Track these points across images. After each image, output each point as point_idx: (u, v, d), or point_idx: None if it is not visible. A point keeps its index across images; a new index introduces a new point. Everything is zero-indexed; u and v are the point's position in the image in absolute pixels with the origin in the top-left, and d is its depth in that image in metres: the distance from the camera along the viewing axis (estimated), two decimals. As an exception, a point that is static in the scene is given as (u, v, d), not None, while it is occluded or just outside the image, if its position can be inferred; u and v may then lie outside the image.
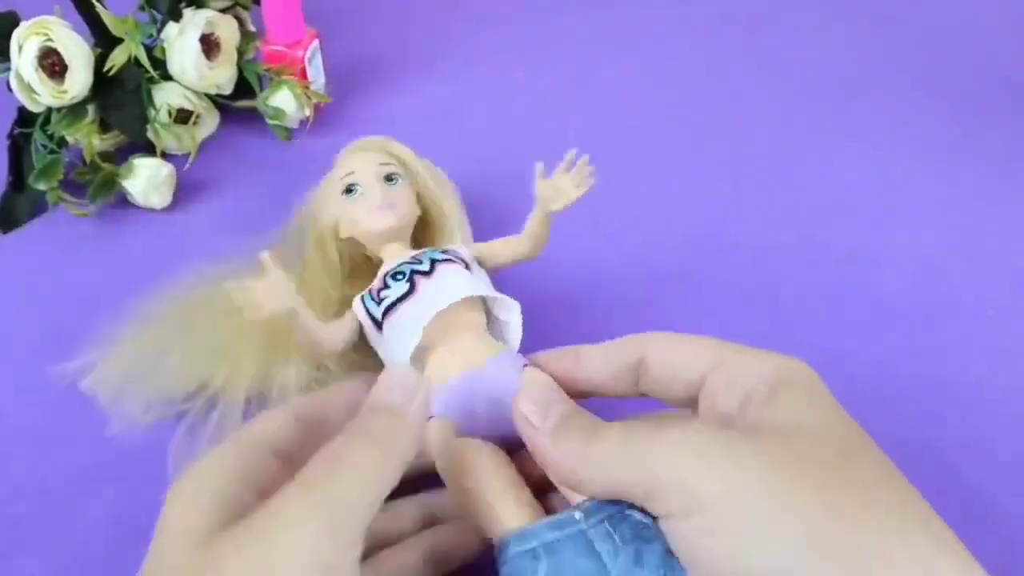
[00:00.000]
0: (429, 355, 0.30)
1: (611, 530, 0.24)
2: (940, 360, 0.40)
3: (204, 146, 0.52)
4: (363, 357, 0.35)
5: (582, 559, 0.23)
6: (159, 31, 0.50)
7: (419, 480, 0.30)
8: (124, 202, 0.48)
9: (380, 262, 0.35)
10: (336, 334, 0.32)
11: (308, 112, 0.52)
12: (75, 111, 0.47)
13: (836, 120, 0.57)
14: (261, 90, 0.52)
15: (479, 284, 0.32)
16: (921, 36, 0.67)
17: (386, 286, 0.32)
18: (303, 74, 0.53)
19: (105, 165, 0.46)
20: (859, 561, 0.19)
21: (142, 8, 0.50)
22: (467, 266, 0.33)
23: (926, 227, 0.48)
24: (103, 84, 0.47)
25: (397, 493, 0.24)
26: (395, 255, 0.34)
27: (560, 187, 0.33)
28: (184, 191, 0.49)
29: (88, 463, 0.35)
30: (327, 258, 0.36)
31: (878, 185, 0.51)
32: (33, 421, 0.37)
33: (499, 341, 0.32)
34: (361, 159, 0.36)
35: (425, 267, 0.32)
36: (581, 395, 0.28)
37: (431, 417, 0.29)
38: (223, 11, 0.52)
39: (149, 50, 0.49)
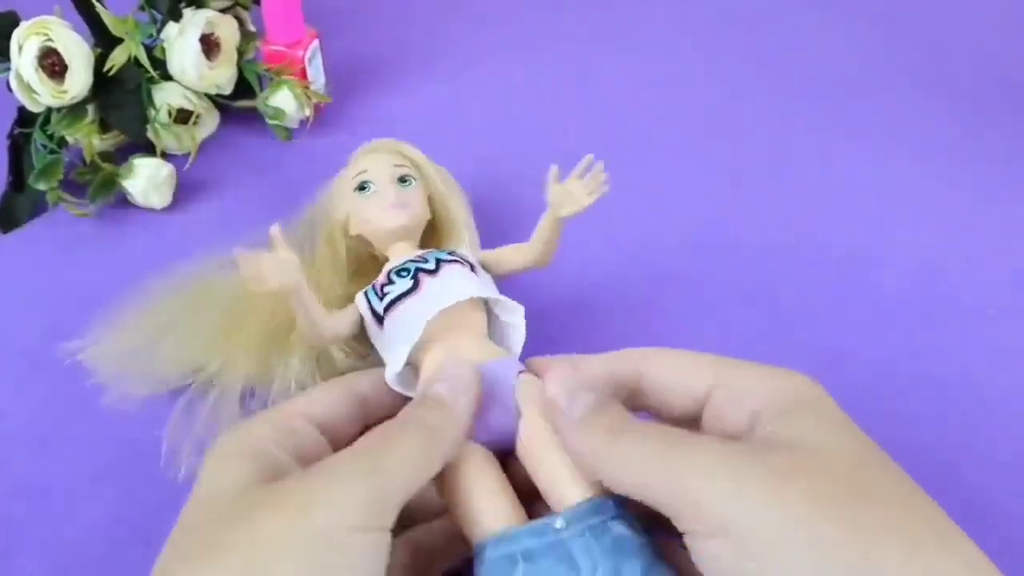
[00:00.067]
0: (426, 354, 0.30)
1: (592, 542, 0.23)
2: (940, 360, 0.40)
3: (204, 146, 0.52)
4: (361, 347, 0.35)
5: (560, 568, 0.23)
6: (159, 31, 0.50)
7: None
8: (124, 202, 0.48)
9: (386, 261, 0.35)
10: (337, 324, 0.32)
11: (308, 112, 0.52)
12: (75, 111, 0.47)
13: (836, 120, 0.57)
14: (261, 90, 0.52)
15: (484, 286, 0.32)
16: (921, 36, 0.67)
17: (390, 281, 0.32)
18: (303, 74, 0.53)
19: (105, 165, 0.46)
20: None
21: (142, 8, 0.50)
22: (472, 268, 0.33)
23: (926, 227, 0.48)
24: (103, 84, 0.47)
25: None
26: (401, 254, 0.34)
27: (572, 192, 0.33)
28: (184, 191, 0.49)
29: (88, 463, 0.35)
30: (335, 254, 0.36)
31: (878, 185, 0.51)
32: (33, 421, 0.37)
33: (500, 345, 0.32)
34: (375, 159, 0.36)
35: (431, 266, 0.32)
36: None
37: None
38: (223, 11, 0.52)
39: (149, 50, 0.49)
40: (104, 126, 0.49)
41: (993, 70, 0.63)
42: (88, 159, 0.46)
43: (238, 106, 0.53)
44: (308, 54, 0.53)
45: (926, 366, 0.40)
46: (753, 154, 0.54)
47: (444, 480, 0.27)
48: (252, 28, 0.55)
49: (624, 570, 0.23)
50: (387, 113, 0.56)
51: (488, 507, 0.26)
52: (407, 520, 0.29)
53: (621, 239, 0.46)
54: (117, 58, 0.47)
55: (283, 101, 0.51)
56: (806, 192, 0.50)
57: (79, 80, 0.45)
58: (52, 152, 0.46)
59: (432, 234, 0.38)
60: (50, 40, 0.45)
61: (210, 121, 0.53)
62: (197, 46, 0.48)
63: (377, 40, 0.65)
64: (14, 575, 0.31)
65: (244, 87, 0.52)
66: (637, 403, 0.27)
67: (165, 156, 0.49)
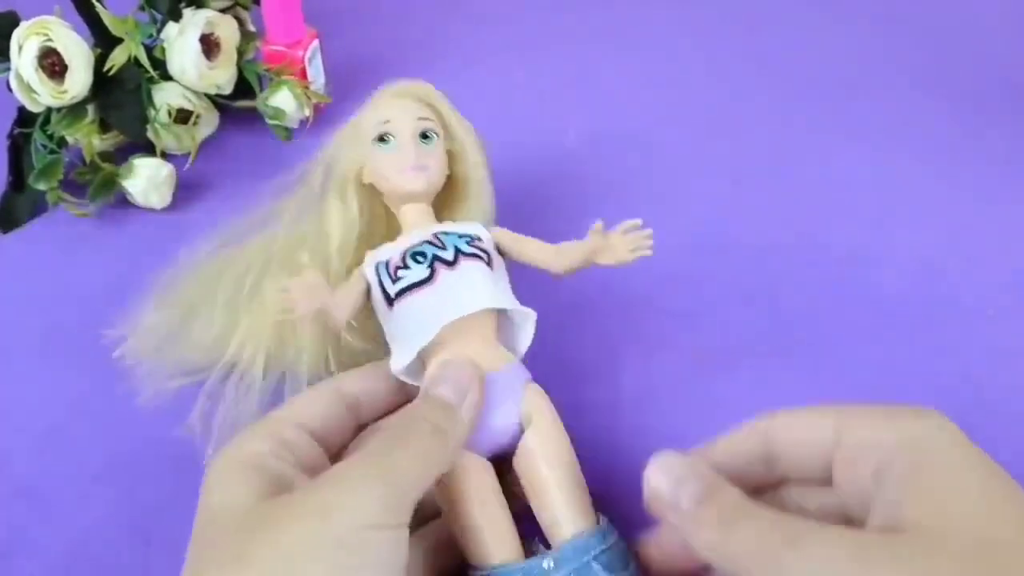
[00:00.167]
0: (434, 354, 0.30)
1: None
2: (940, 360, 0.40)
3: (204, 146, 0.52)
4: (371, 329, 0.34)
5: None
6: (159, 31, 0.50)
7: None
8: (124, 202, 0.48)
9: (395, 219, 0.34)
10: (345, 303, 0.31)
11: (308, 112, 0.52)
12: (75, 111, 0.47)
13: (836, 120, 0.57)
14: (261, 90, 0.52)
15: (499, 289, 0.31)
16: (921, 36, 0.67)
17: (405, 265, 0.31)
18: (303, 74, 0.53)
19: (105, 165, 0.46)
20: None
21: (142, 8, 0.50)
22: (490, 260, 0.32)
23: (926, 227, 0.48)
24: (103, 84, 0.47)
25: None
26: (415, 220, 0.33)
27: (615, 246, 0.32)
28: (184, 191, 0.49)
29: (88, 463, 0.35)
30: (346, 208, 0.35)
31: (878, 185, 0.51)
32: (33, 421, 0.37)
33: (506, 342, 0.32)
34: (401, 108, 0.34)
35: (449, 255, 0.31)
36: None
37: None
38: (223, 11, 0.52)
39: (149, 50, 0.49)
40: (104, 126, 0.49)
41: (993, 70, 0.63)
42: (88, 159, 0.46)
43: (238, 106, 0.53)
44: (308, 54, 0.53)
45: (926, 366, 0.40)
46: (753, 154, 0.54)
47: (445, 492, 0.27)
48: (252, 28, 0.55)
49: None
50: (387, 113, 0.56)
51: (486, 533, 0.26)
52: (423, 517, 0.29)
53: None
54: (117, 58, 0.47)
55: (283, 101, 0.51)
56: (806, 192, 0.50)
57: (79, 80, 0.45)
58: (52, 152, 0.46)
59: (449, 191, 0.37)
60: (50, 40, 0.45)
61: (210, 121, 0.53)
62: (197, 46, 0.48)
63: (377, 40, 0.65)
64: (14, 575, 0.32)
65: (244, 87, 0.52)
66: (780, 475, 0.26)
67: (165, 156, 0.49)
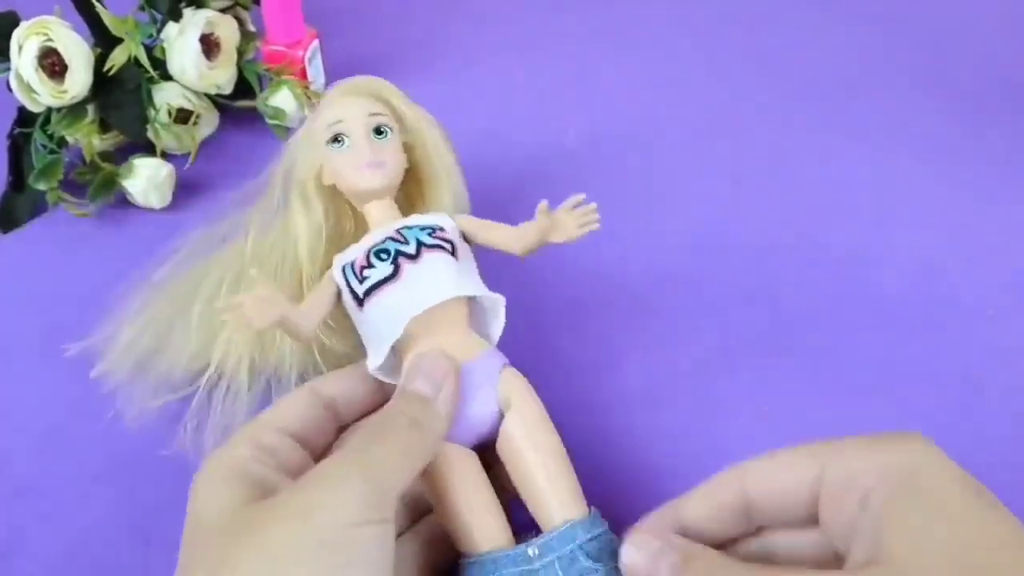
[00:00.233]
0: (409, 347, 0.30)
1: (560, 572, 0.25)
2: (940, 360, 0.40)
3: (204, 146, 0.52)
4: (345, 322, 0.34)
5: None
6: (159, 31, 0.50)
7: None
8: (124, 202, 0.48)
9: (362, 217, 0.34)
10: (314, 312, 0.31)
11: (308, 112, 0.52)
12: (75, 111, 0.47)
13: (836, 120, 0.57)
14: (261, 90, 0.52)
15: (465, 277, 0.31)
16: (921, 36, 0.67)
17: (370, 264, 0.31)
18: (303, 74, 0.53)
19: (105, 165, 0.46)
20: None
21: (142, 8, 0.50)
22: (454, 250, 0.32)
23: (926, 227, 0.48)
24: (103, 84, 0.47)
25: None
26: (379, 216, 0.33)
27: (562, 223, 0.32)
28: (184, 191, 0.49)
29: (88, 463, 0.35)
30: (310, 212, 0.34)
31: (878, 185, 0.51)
32: (33, 421, 0.37)
33: (480, 330, 0.32)
34: (351, 107, 0.34)
35: (411, 249, 0.31)
36: None
37: None
38: (223, 11, 0.52)
39: (149, 50, 0.49)
40: (104, 126, 0.49)
41: (993, 70, 0.63)
42: (88, 159, 0.46)
43: (238, 106, 0.53)
44: (308, 54, 0.53)
45: (926, 366, 0.40)
46: (753, 154, 0.54)
47: (432, 484, 0.27)
48: (252, 28, 0.55)
49: None
50: (387, 113, 0.56)
51: (474, 520, 0.26)
52: (415, 513, 0.29)
53: (621, 239, 0.46)
54: (117, 58, 0.47)
55: (283, 101, 0.51)
56: (806, 192, 0.50)
57: (79, 80, 0.45)
58: (52, 152, 0.46)
59: (414, 182, 0.37)
60: (50, 40, 0.45)
61: (210, 121, 0.53)
62: (197, 46, 0.48)
63: (377, 40, 0.65)
64: (14, 575, 0.32)
65: (244, 87, 0.52)
66: (758, 523, 0.25)
67: (165, 156, 0.49)
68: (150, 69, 0.48)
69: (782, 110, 0.58)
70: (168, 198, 0.48)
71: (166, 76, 0.50)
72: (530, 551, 0.25)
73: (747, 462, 0.25)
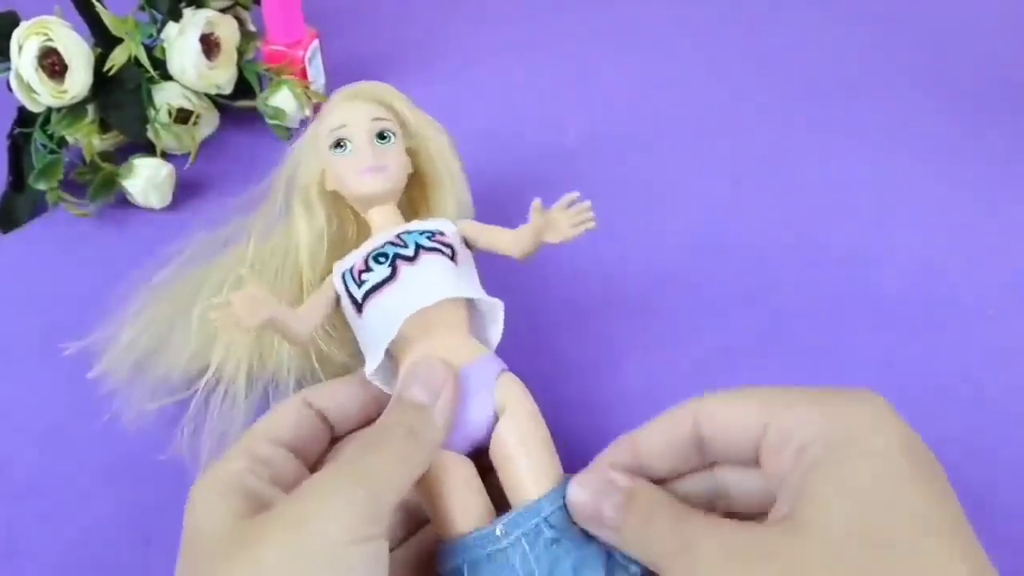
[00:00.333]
0: (406, 352, 0.30)
1: (527, 548, 0.25)
2: (940, 360, 0.40)
3: (204, 146, 0.53)
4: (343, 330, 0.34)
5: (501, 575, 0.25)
6: (159, 31, 0.50)
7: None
8: (124, 202, 0.48)
9: (364, 222, 0.34)
10: (311, 317, 0.31)
11: (308, 112, 0.52)
12: (75, 111, 0.47)
13: (836, 120, 0.57)
14: (261, 90, 0.52)
15: (463, 280, 0.31)
16: (921, 36, 0.67)
17: (367, 268, 0.31)
18: (303, 74, 0.53)
19: (105, 165, 0.46)
20: None
21: (142, 8, 0.50)
22: (453, 254, 0.32)
23: (926, 227, 0.48)
24: (103, 84, 0.47)
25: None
26: (382, 222, 0.33)
27: (556, 223, 0.32)
28: (184, 191, 0.49)
29: (88, 463, 0.35)
30: (312, 217, 0.34)
31: (878, 185, 0.51)
32: (33, 421, 0.37)
33: (479, 335, 0.32)
34: (354, 111, 0.34)
35: (409, 252, 0.31)
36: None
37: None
38: (223, 11, 0.52)
39: (149, 50, 0.49)
40: (104, 126, 0.49)
41: (993, 70, 0.63)
42: (88, 159, 0.46)
43: (238, 106, 0.53)
44: (308, 54, 0.53)
45: (926, 366, 0.40)
46: (753, 154, 0.54)
47: (426, 491, 0.27)
48: (252, 28, 0.55)
49: (555, 571, 0.25)
50: (387, 113, 0.56)
51: (460, 518, 0.26)
52: (413, 523, 0.29)
53: (621, 239, 0.46)
54: (117, 58, 0.47)
55: (283, 101, 0.51)
56: (806, 192, 0.50)
57: (79, 80, 0.45)
58: (52, 152, 0.46)
59: (419, 187, 0.36)
60: (50, 40, 0.45)
61: (210, 121, 0.53)
62: (197, 46, 0.48)
63: (377, 40, 0.65)
64: (14, 575, 0.32)
65: (244, 87, 0.52)
66: (708, 458, 0.26)
67: (165, 156, 0.49)
68: (150, 69, 0.48)
69: (782, 110, 0.58)
70: (168, 198, 0.48)
71: (166, 76, 0.50)
72: (497, 530, 0.25)
73: (701, 399, 0.25)
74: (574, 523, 0.26)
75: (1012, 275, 0.45)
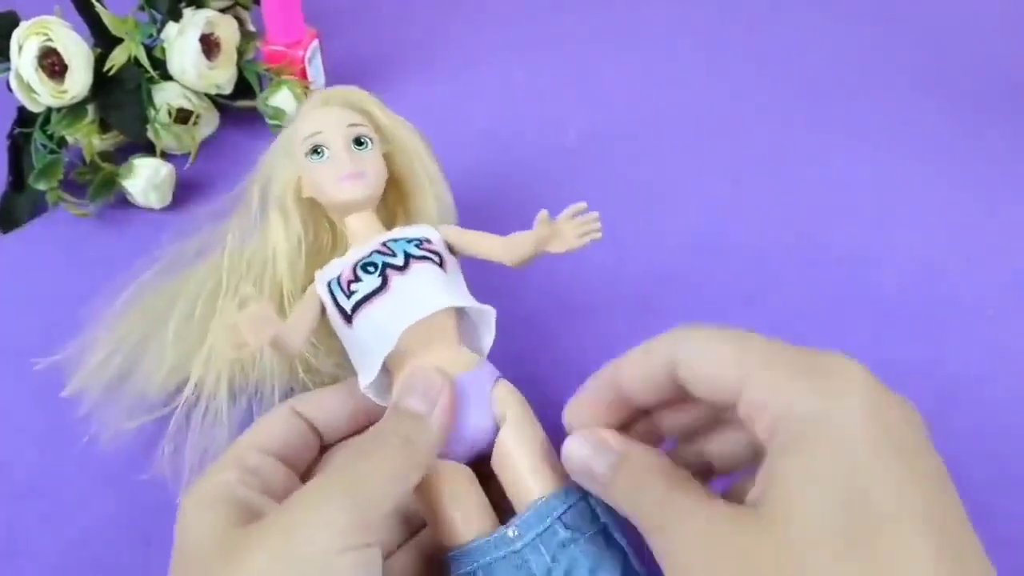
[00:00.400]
0: (400, 364, 0.30)
1: (543, 549, 0.25)
2: (940, 360, 0.40)
3: (204, 146, 0.53)
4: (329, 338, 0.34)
5: None
6: (159, 31, 0.50)
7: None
8: (124, 202, 0.48)
9: (340, 230, 0.34)
10: (299, 328, 0.30)
11: (308, 112, 0.52)
12: (75, 111, 0.47)
13: (836, 120, 0.57)
14: (261, 90, 0.52)
15: (454, 288, 0.31)
16: (921, 36, 0.67)
17: (356, 278, 0.30)
18: (303, 74, 0.53)
19: (105, 165, 0.46)
20: None
21: (142, 8, 0.50)
22: (442, 262, 0.31)
23: (926, 227, 0.48)
24: (103, 84, 0.47)
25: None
26: (361, 229, 0.33)
27: (561, 233, 0.31)
28: (184, 191, 0.49)
29: (88, 464, 0.35)
30: (289, 224, 0.34)
31: (878, 185, 0.51)
32: (33, 421, 0.37)
33: (469, 342, 0.32)
34: (329, 117, 0.33)
35: (398, 261, 0.30)
36: (635, 418, 0.27)
37: None
38: (223, 11, 0.52)
39: (149, 50, 0.49)
40: (104, 126, 0.49)
41: (993, 70, 0.63)
42: (88, 159, 0.46)
43: (238, 106, 0.53)
44: (308, 54, 0.53)
45: (926, 366, 0.40)
46: (753, 154, 0.54)
47: (425, 499, 0.27)
48: (252, 28, 0.55)
49: (573, 571, 0.25)
50: (387, 113, 0.56)
51: (463, 527, 0.26)
52: (411, 527, 0.29)
53: (621, 239, 0.46)
54: (117, 58, 0.47)
55: (283, 101, 0.51)
56: (806, 192, 0.50)
57: (79, 80, 0.45)
58: (52, 152, 0.46)
59: (397, 192, 0.36)
60: (50, 40, 0.45)
61: (210, 121, 0.53)
62: (197, 46, 0.48)
63: (377, 40, 0.65)
64: (14, 575, 0.32)
65: (244, 87, 0.52)
66: (686, 392, 0.25)
67: (165, 156, 0.49)
68: (150, 69, 0.48)
69: (782, 110, 0.58)
70: (168, 198, 0.48)
71: (166, 76, 0.50)
72: (510, 532, 0.25)
73: (678, 339, 0.24)
74: (588, 522, 0.26)
75: (1012, 275, 0.45)
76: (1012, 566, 0.32)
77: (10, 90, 0.46)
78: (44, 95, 0.45)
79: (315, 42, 0.54)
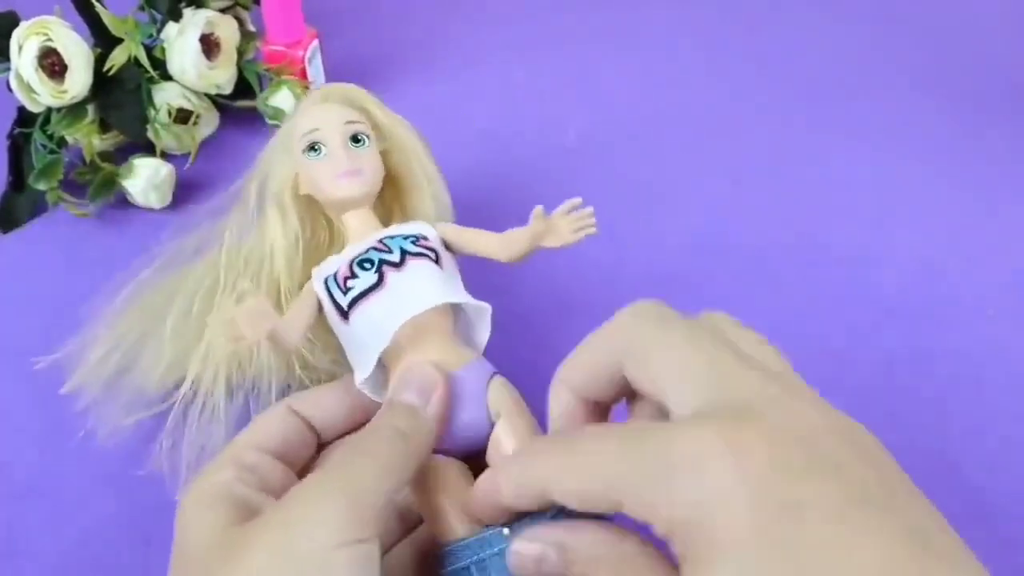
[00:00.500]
0: (396, 360, 0.30)
1: None
2: (940, 360, 0.40)
3: (204, 146, 0.53)
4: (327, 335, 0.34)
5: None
6: (159, 31, 0.50)
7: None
8: (124, 202, 0.48)
9: (336, 227, 0.34)
10: (297, 324, 0.30)
11: (308, 112, 0.52)
12: (75, 111, 0.47)
13: (836, 120, 0.57)
14: (261, 90, 0.52)
15: (450, 285, 0.31)
16: (921, 36, 0.67)
17: (352, 274, 0.30)
18: (303, 74, 0.53)
19: (105, 165, 0.46)
20: None
21: (142, 8, 0.50)
22: (438, 258, 0.31)
23: (926, 227, 0.48)
24: (103, 84, 0.47)
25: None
26: (358, 227, 0.33)
27: (557, 228, 0.32)
28: (184, 191, 0.49)
29: (88, 463, 0.35)
30: (286, 221, 0.34)
31: (878, 185, 0.51)
32: (33, 421, 0.37)
33: (465, 338, 0.32)
34: (327, 114, 0.33)
35: (395, 258, 0.30)
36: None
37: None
38: (223, 11, 0.52)
39: (149, 50, 0.49)
40: (104, 126, 0.49)
41: (993, 70, 0.63)
42: (88, 159, 0.46)
43: (238, 106, 0.53)
44: (308, 54, 0.53)
45: (926, 366, 0.40)
46: (753, 154, 0.54)
47: (418, 492, 0.27)
48: (252, 28, 0.55)
49: None
50: (387, 113, 0.56)
51: (458, 522, 0.26)
52: (409, 522, 0.29)
53: (621, 239, 0.46)
54: (117, 58, 0.47)
55: (283, 101, 0.51)
56: (806, 192, 0.50)
57: (79, 80, 0.45)
58: (52, 152, 0.46)
59: (393, 189, 0.36)
60: (50, 40, 0.45)
61: (210, 121, 0.53)
62: (197, 46, 0.48)
63: (377, 40, 0.65)
64: (14, 575, 0.32)
65: (244, 87, 0.52)
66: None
67: (165, 156, 0.49)
68: (150, 69, 0.48)
69: (782, 110, 0.58)
70: (168, 198, 0.48)
71: (166, 76, 0.50)
72: (504, 531, 0.25)
73: (631, 335, 0.24)
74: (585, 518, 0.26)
75: (1012, 275, 0.45)
76: (1012, 566, 0.33)
77: (10, 90, 0.46)
78: (44, 95, 0.45)
79: (315, 42, 0.54)
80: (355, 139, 0.33)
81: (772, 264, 0.45)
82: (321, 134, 0.33)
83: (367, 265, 0.30)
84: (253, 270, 0.34)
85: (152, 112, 0.49)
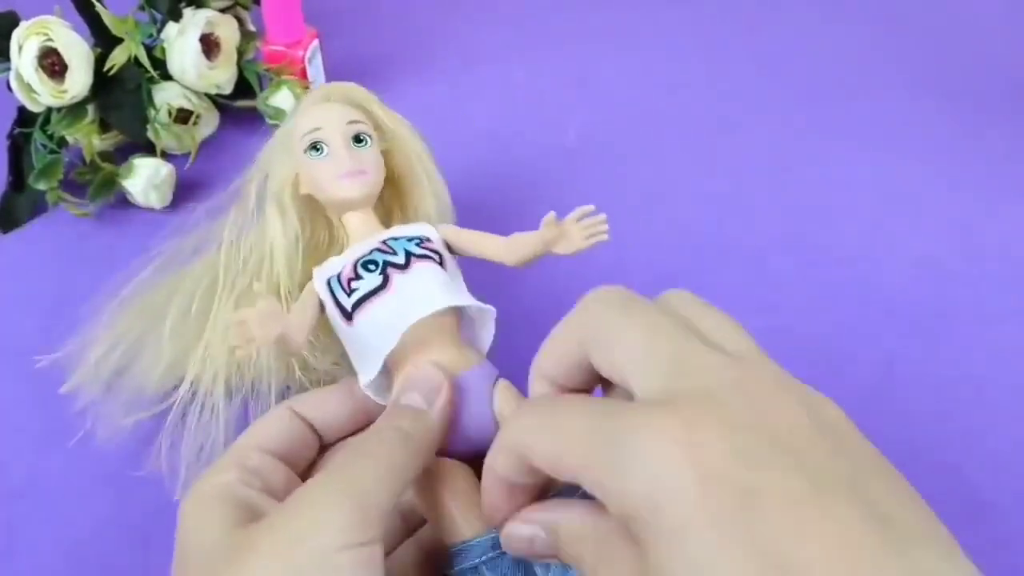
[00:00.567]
0: (399, 363, 0.30)
1: None
2: (940, 360, 0.40)
3: (204, 146, 0.53)
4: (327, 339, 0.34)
5: (518, 575, 0.25)
6: (159, 31, 0.50)
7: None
8: (124, 202, 0.48)
9: (340, 227, 0.34)
10: (302, 324, 0.30)
11: (308, 112, 0.52)
12: (75, 111, 0.47)
13: (836, 120, 0.57)
14: (261, 90, 0.52)
15: (454, 287, 0.31)
16: (921, 36, 0.67)
17: (357, 276, 0.30)
18: (303, 74, 0.53)
19: (105, 165, 0.46)
20: None
21: (142, 8, 0.50)
22: (442, 260, 0.31)
23: (926, 227, 0.48)
24: (103, 84, 0.47)
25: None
26: (360, 227, 0.33)
27: (568, 234, 0.31)
28: (184, 191, 0.49)
29: (87, 463, 0.35)
30: (286, 220, 0.33)
31: (878, 185, 0.51)
32: (33, 421, 0.37)
33: (469, 341, 0.32)
34: (328, 113, 0.33)
35: (400, 260, 0.30)
36: None
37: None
38: (223, 11, 0.52)
39: (149, 50, 0.49)
40: (104, 126, 0.49)
41: (993, 70, 0.63)
42: (88, 159, 0.46)
43: (238, 106, 0.53)
44: (308, 54, 0.53)
45: (926, 366, 0.40)
46: (753, 154, 0.54)
47: (423, 494, 0.27)
48: (252, 28, 0.55)
49: (573, 570, 0.24)
50: (387, 113, 0.56)
51: (463, 524, 0.26)
52: (413, 522, 0.29)
53: (621, 239, 0.46)
54: (117, 58, 0.47)
55: (283, 101, 0.51)
56: (806, 192, 0.50)
57: (79, 80, 0.45)
58: (52, 152, 0.46)
59: (394, 189, 0.36)
60: (50, 40, 0.45)
61: (210, 121, 0.53)
62: (197, 46, 0.48)
63: (377, 40, 0.65)
64: (14, 575, 0.32)
65: (244, 87, 0.52)
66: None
67: (165, 156, 0.49)
68: (150, 69, 0.48)
69: (782, 110, 0.58)
70: (168, 198, 0.48)
71: (166, 76, 0.50)
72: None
73: (590, 322, 0.24)
74: None
75: (1012, 275, 0.45)
76: (1012, 566, 0.33)
77: (10, 90, 0.46)
78: (44, 95, 0.45)
79: (315, 42, 0.54)
80: (357, 139, 0.33)
81: (772, 264, 0.45)
82: (323, 134, 0.32)
83: (371, 267, 0.30)
84: (253, 270, 0.34)
85: (152, 112, 0.49)
